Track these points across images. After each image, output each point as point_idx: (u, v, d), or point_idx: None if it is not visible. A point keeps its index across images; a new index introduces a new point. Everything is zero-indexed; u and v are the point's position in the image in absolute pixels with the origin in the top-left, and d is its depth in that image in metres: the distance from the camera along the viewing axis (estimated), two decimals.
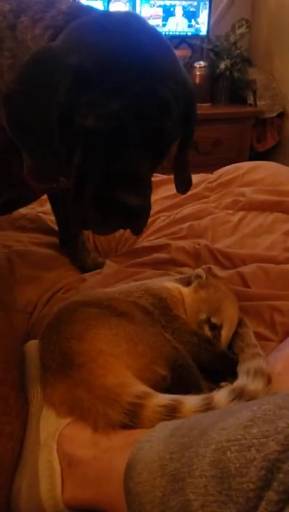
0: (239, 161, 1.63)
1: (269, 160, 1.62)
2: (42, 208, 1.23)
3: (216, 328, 0.68)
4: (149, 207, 0.69)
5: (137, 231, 0.76)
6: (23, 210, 1.18)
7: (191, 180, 0.83)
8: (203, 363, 0.63)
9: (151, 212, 1.24)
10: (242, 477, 0.34)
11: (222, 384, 0.61)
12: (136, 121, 0.60)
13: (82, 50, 0.59)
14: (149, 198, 0.68)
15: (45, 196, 1.04)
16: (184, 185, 0.82)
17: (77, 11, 0.67)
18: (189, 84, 0.70)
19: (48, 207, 1.16)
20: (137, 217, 0.68)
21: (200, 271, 0.74)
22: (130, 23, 0.64)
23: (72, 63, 0.58)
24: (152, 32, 0.66)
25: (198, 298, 0.70)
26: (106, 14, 0.70)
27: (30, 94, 0.61)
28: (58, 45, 0.61)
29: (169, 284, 0.73)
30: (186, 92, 0.67)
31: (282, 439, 0.34)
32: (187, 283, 0.74)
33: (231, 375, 0.61)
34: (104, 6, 2.25)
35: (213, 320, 0.68)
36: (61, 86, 0.58)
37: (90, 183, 0.64)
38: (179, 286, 0.73)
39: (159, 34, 0.67)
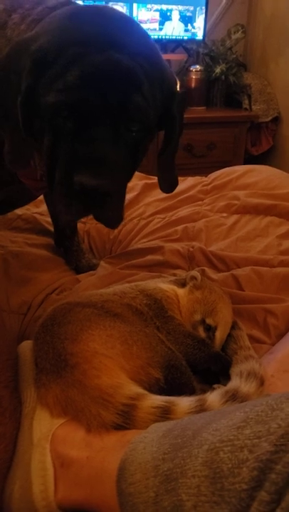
0: (234, 165, 1.64)
1: (263, 164, 1.63)
2: (37, 209, 1.23)
3: (210, 330, 0.68)
4: (117, 193, 0.63)
5: (109, 222, 0.69)
6: (18, 211, 1.18)
7: (176, 181, 0.81)
8: (197, 364, 0.64)
9: (146, 215, 1.26)
10: (234, 477, 0.34)
11: (215, 386, 0.61)
12: (98, 94, 0.56)
13: (44, 35, 0.58)
14: (119, 183, 0.62)
15: (41, 197, 1.04)
16: (168, 185, 0.79)
17: (61, 5, 0.67)
18: (168, 73, 0.65)
19: (43, 208, 1.17)
20: (100, 202, 0.61)
21: (195, 272, 0.74)
22: (104, 12, 0.61)
23: (33, 48, 0.57)
24: (128, 21, 0.63)
25: (193, 299, 0.71)
26: (84, 6, 0.68)
27: (3, 82, 0.61)
28: (30, 35, 0.61)
29: (163, 285, 0.74)
30: (165, 79, 0.63)
31: (275, 440, 0.34)
32: (182, 284, 0.74)
33: (225, 377, 0.61)
34: None
35: (208, 321, 0.68)
36: (24, 71, 0.57)
37: (58, 167, 0.60)
38: (174, 287, 0.73)
39: (136, 24, 0.64)
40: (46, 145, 0.60)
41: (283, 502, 0.31)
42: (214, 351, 0.67)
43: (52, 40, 0.57)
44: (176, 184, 0.81)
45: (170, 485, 0.38)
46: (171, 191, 0.81)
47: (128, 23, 0.62)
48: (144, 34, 0.64)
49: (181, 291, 0.73)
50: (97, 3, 2.23)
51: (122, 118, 0.59)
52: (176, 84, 0.70)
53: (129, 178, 0.68)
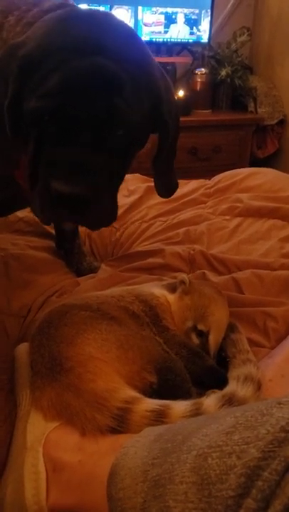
0: (239, 168, 1.63)
1: (269, 167, 1.62)
2: None
3: (203, 335, 0.67)
4: (99, 199, 0.61)
5: (92, 226, 0.69)
6: (20, 213, 1.18)
7: (175, 186, 0.79)
8: (191, 377, 0.62)
9: (148, 217, 1.26)
10: (222, 484, 0.34)
11: (211, 390, 0.60)
12: (79, 99, 0.55)
13: (32, 40, 0.58)
14: (100, 189, 0.61)
15: None
16: (165, 189, 0.78)
17: (56, 8, 0.67)
18: (158, 78, 0.64)
19: None
20: (78, 209, 0.60)
21: (184, 277, 0.73)
22: (95, 17, 0.61)
23: (20, 54, 0.57)
24: (120, 26, 0.62)
25: (183, 306, 0.70)
26: (77, 10, 0.66)
27: None
28: (20, 39, 0.61)
29: (156, 290, 0.73)
30: (153, 83, 0.62)
31: (263, 446, 0.33)
32: (173, 289, 0.73)
33: (219, 389, 0.60)
34: None
35: (200, 327, 0.67)
36: (10, 76, 0.57)
37: (37, 171, 0.60)
38: (165, 293, 0.73)
39: (128, 29, 0.64)
40: (29, 149, 0.60)
41: (270, 510, 0.30)
42: (209, 364, 0.65)
43: (38, 45, 0.57)
44: (174, 189, 0.79)
45: (158, 491, 0.37)
46: (169, 196, 0.79)
47: (119, 28, 0.61)
48: (134, 39, 0.63)
49: (171, 298, 0.72)
50: (102, 6, 2.24)
51: (105, 123, 0.58)
52: (169, 90, 0.68)
53: (116, 183, 0.66)
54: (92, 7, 2.21)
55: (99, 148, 0.58)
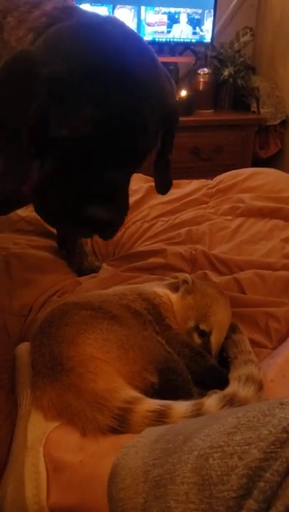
0: (241, 168, 1.63)
1: (272, 167, 1.62)
2: None
3: (205, 335, 0.67)
4: (121, 217, 0.68)
5: (107, 238, 0.77)
6: (22, 213, 1.18)
7: (171, 182, 0.83)
8: (192, 376, 0.62)
9: (150, 218, 1.26)
10: (223, 485, 0.33)
11: (212, 391, 0.60)
12: (110, 134, 0.60)
13: (58, 59, 0.58)
14: (123, 209, 0.67)
15: None
16: (163, 186, 0.82)
17: (61, 13, 0.67)
18: (171, 98, 0.69)
19: None
20: (106, 229, 0.68)
21: (186, 276, 0.73)
22: (111, 30, 0.63)
23: (48, 73, 0.57)
24: (134, 39, 0.65)
25: (186, 305, 0.70)
26: (87, 19, 0.67)
27: (4, 98, 0.60)
28: (35, 51, 0.61)
29: (159, 289, 0.73)
30: (168, 106, 0.67)
31: (265, 447, 0.33)
32: (176, 288, 0.73)
33: (220, 389, 0.60)
34: (109, 12, 2.26)
35: (202, 327, 0.67)
36: (36, 96, 0.58)
37: (59, 191, 0.64)
38: (168, 292, 0.72)
39: (141, 41, 0.66)
40: (49, 172, 0.63)
41: (271, 511, 0.30)
42: (210, 364, 0.65)
43: (69, 69, 0.58)
44: (170, 186, 0.84)
45: (159, 491, 0.37)
46: (165, 193, 0.84)
47: (142, 51, 0.65)
48: (151, 55, 0.66)
49: (174, 297, 0.72)
50: (104, 6, 2.24)
51: (128, 153, 0.64)
52: (174, 96, 0.74)
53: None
54: (95, 7, 2.21)
55: (122, 173, 0.65)
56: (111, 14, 2.27)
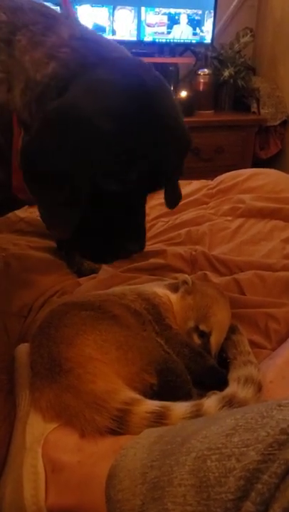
0: (242, 168, 1.63)
1: (272, 168, 1.62)
2: None
3: (204, 336, 0.67)
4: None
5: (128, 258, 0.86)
6: (21, 214, 1.18)
7: (180, 197, 0.86)
8: (192, 376, 0.62)
9: (150, 218, 1.25)
10: (221, 487, 0.33)
11: (212, 391, 0.60)
12: (148, 182, 0.68)
13: (109, 117, 0.61)
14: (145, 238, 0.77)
15: None
16: (172, 202, 0.85)
17: (82, 47, 0.66)
18: (188, 132, 0.74)
19: None
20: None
21: (186, 277, 0.73)
22: (146, 80, 0.66)
23: (109, 138, 0.61)
24: (161, 82, 0.69)
25: (185, 306, 0.69)
26: (119, 64, 0.69)
27: (55, 148, 0.62)
28: (81, 103, 0.61)
29: (159, 290, 0.73)
30: (187, 142, 0.74)
31: (263, 449, 0.33)
32: (175, 289, 0.73)
33: (219, 390, 0.60)
34: (109, 13, 2.26)
35: (202, 327, 0.67)
36: (94, 151, 0.61)
37: (102, 232, 0.72)
38: (168, 292, 0.72)
39: (164, 82, 0.70)
40: (91, 217, 0.69)
41: None
42: (210, 364, 0.65)
43: (122, 125, 0.61)
44: (179, 201, 0.87)
45: (157, 493, 0.37)
46: (175, 207, 0.88)
47: (168, 95, 0.70)
48: (172, 95, 0.71)
49: (174, 297, 0.72)
50: (105, 7, 2.24)
51: (153, 191, 0.73)
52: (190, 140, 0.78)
53: None
54: (95, 8, 2.22)
55: (144, 207, 0.74)
56: (113, 15, 2.27)
